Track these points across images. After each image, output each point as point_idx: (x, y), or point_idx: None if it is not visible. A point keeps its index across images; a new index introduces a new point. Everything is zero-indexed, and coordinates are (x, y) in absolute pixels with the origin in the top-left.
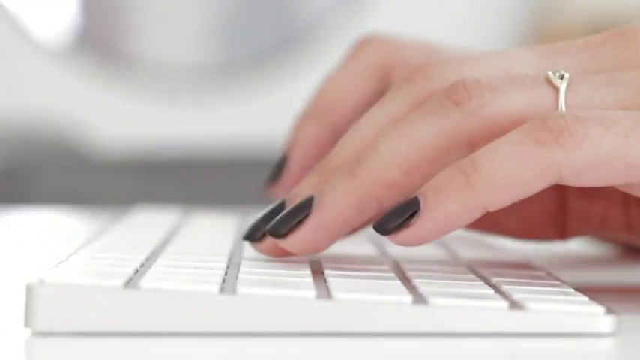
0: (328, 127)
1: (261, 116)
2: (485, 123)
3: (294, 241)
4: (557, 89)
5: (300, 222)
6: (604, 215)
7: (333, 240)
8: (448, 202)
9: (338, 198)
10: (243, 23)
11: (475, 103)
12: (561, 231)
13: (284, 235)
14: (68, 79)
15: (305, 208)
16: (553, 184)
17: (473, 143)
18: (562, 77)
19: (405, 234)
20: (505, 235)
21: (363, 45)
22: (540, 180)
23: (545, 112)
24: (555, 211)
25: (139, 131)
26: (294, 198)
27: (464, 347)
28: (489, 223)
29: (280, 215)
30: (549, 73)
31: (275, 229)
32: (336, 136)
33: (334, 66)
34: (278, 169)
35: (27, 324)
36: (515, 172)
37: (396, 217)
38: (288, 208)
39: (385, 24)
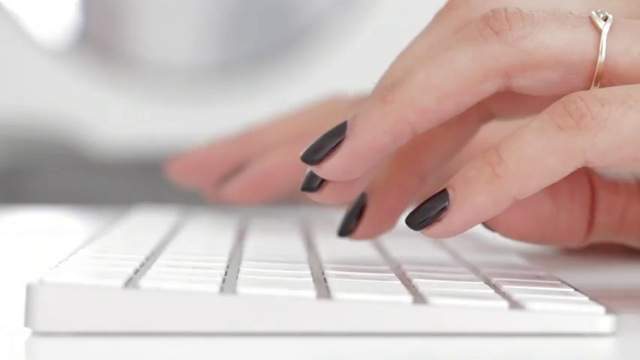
0: (243, 151)
1: (260, 116)
2: (523, 56)
3: (329, 167)
4: (599, 31)
5: (334, 148)
6: (625, 208)
7: (367, 166)
8: (477, 195)
9: (371, 123)
10: (243, 23)
11: (515, 34)
12: (588, 229)
13: (318, 162)
14: (68, 79)
15: (338, 134)
16: (579, 167)
17: (509, 75)
18: (606, 19)
19: (436, 227)
20: (554, 237)
21: (318, 101)
22: (565, 165)
23: (565, 96)
24: (590, 204)
25: (139, 131)
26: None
27: (464, 347)
28: (543, 226)
29: (314, 141)
30: (593, 12)
31: (309, 155)
32: (244, 160)
33: None
34: (184, 153)
35: (27, 324)
36: (540, 160)
37: (427, 212)
38: (323, 136)
39: (385, 24)
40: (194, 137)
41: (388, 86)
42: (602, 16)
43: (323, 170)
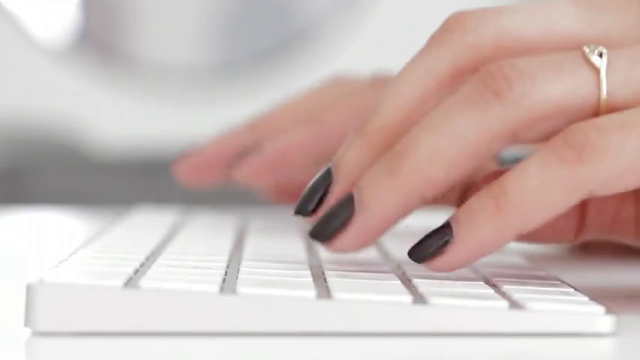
0: (252, 139)
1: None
2: (527, 114)
3: (342, 243)
4: (597, 70)
5: (344, 223)
6: (617, 209)
7: (379, 235)
8: (480, 229)
9: (382, 198)
10: (243, 23)
11: (516, 93)
12: (578, 228)
13: (328, 239)
14: (68, 79)
15: (346, 209)
16: (583, 199)
17: (516, 134)
18: (601, 55)
19: (439, 261)
20: (537, 235)
21: (321, 84)
22: (569, 198)
23: (566, 127)
24: (577, 207)
25: (139, 131)
26: (339, 164)
27: (464, 347)
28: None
29: (321, 218)
30: (586, 50)
31: (318, 233)
32: (255, 147)
33: None
34: (190, 152)
35: (27, 324)
36: (544, 194)
37: (430, 245)
38: (327, 209)
39: (385, 24)
40: (194, 137)
41: (394, 156)
42: (596, 52)
43: (335, 247)
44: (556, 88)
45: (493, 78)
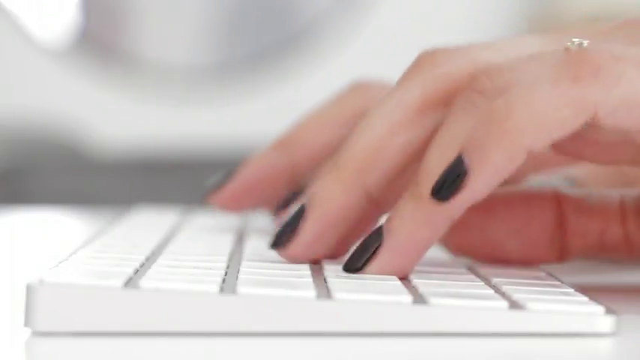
0: (287, 160)
1: (260, 116)
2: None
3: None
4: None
5: (374, 252)
6: (603, 232)
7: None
8: (492, 156)
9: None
10: (243, 23)
11: (498, 85)
12: (561, 251)
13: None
14: (68, 79)
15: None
16: (587, 121)
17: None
18: (581, 44)
19: (460, 196)
20: (507, 259)
21: (350, 90)
22: (577, 118)
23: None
24: (555, 229)
25: (139, 131)
26: (313, 198)
27: (464, 347)
28: (493, 249)
29: (352, 252)
30: (568, 43)
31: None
32: (293, 171)
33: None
34: (223, 179)
35: (27, 324)
36: (553, 112)
37: (445, 182)
38: (368, 244)
39: (385, 24)
40: (194, 137)
41: (414, 182)
42: (577, 42)
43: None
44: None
45: (477, 81)
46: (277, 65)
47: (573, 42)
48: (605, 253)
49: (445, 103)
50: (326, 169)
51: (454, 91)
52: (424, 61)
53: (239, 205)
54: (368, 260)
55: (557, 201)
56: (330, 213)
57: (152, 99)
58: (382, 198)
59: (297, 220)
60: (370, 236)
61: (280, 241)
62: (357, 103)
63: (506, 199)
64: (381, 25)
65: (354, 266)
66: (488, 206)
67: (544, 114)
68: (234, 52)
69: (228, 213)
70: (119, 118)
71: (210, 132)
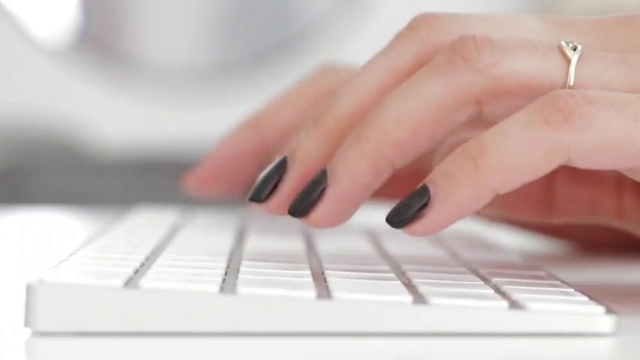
0: (258, 138)
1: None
2: (493, 82)
3: (317, 217)
4: (568, 60)
5: (319, 197)
6: (594, 201)
7: (355, 208)
8: (458, 190)
9: (351, 165)
10: (243, 24)
11: (484, 61)
12: (548, 211)
13: (306, 213)
14: (68, 79)
15: (320, 183)
16: (561, 165)
17: (480, 102)
18: (575, 49)
19: (417, 225)
20: (492, 213)
21: (320, 71)
22: (549, 161)
23: (553, 91)
24: (541, 191)
25: (139, 131)
26: (294, 154)
27: (464, 347)
28: None
29: (298, 195)
30: (562, 43)
31: (296, 208)
32: (263, 149)
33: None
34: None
35: (27, 324)
36: (524, 154)
37: (408, 209)
38: (306, 186)
39: (385, 24)
40: (194, 137)
41: (361, 125)
42: (571, 46)
43: (312, 220)
44: (525, 64)
45: (464, 45)
46: (277, 65)
47: (567, 44)
48: (596, 218)
49: None
50: (310, 125)
51: None
52: (420, 24)
53: (210, 187)
54: (311, 206)
55: None
56: (310, 170)
57: (152, 99)
58: None
59: (277, 174)
60: (315, 180)
61: (260, 195)
62: (328, 82)
63: None
64: (381, 26)
65: (297, 209)
66: None
67: (516, 157)
68: (234, 52)
69: (200, 195)
70: (119, 118)
71: (211, 132)
